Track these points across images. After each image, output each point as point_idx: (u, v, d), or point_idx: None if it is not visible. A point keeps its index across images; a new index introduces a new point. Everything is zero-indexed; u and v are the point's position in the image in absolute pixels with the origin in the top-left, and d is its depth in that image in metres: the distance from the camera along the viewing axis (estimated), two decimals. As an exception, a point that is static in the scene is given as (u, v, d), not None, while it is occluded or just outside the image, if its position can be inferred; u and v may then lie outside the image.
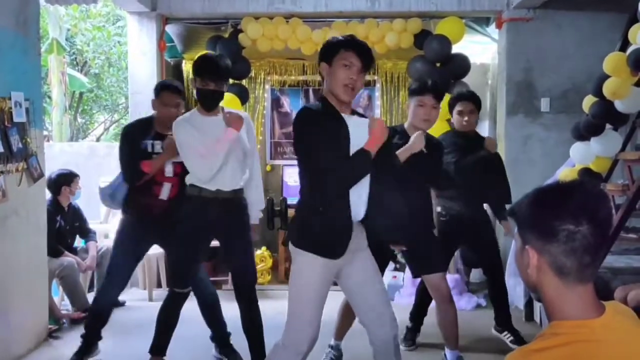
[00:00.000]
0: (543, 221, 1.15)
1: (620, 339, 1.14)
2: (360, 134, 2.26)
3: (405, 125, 3.14)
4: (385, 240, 2.74)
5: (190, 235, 2.94)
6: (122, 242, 3.32)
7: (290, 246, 2.36)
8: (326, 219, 2.25)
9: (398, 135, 2.99)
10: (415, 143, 2.89)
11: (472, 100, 3.59)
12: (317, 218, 2.26)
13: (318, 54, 2.40)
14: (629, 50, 3.69)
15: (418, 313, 3.81)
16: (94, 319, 3.39)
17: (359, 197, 2.28)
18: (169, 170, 3.20)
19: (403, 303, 4.66)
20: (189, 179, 2.95)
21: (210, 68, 2.88)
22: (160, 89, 3.29)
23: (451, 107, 3.67)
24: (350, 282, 2.39)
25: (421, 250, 3.06)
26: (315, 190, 2.27)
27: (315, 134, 2.22)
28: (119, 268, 3.31)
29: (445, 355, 3.31)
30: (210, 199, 2.89)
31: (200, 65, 2.90)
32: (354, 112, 2.41)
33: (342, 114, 2.31)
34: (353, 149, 2.23)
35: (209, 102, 2.93)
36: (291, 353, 2.31)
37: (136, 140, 3.21)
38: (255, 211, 3.14)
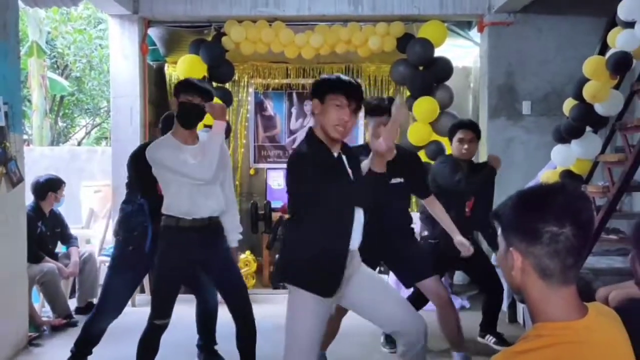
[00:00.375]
0: (527, 223, 1.16)
1: (603, 339, 1.15)
2: (355, 165, 2.32)
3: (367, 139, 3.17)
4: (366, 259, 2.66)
5: (171, 267, 2.84)
6: (121, 267, 3.25)
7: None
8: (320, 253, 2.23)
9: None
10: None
11: (472, 129, 3.58)
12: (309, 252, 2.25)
13: (310, 90, 2.38)
14: (608, 53, 3.75)
15: None
16: (87, 343, 3.28)
17: (359, 223, 2.29)
18: None
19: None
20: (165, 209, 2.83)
21: (194, 84, 2.83)
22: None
23: (451, 133, 3.62)
24: (358, 304, 2.38)
25: (405, 260, 3.05)
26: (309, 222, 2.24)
27: (311, 174, 2.18)
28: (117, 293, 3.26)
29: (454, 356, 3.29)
30: (187, 227, 2.79)
31: (184, 83, 2.87)
32: (344, 146, 2.40)
33: (332, 151, 2.31)
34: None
35: (191, 119, 2.81)
36: None
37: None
38: (234, 234, 3.04)
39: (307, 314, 2.25)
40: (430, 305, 3.33)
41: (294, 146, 6.22)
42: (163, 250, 2.83)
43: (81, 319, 4.32)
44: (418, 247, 3.27)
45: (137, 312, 4.66)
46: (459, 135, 3.55)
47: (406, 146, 5.38)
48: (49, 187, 4.41)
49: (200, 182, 2.74)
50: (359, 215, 2.30)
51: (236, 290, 2.93)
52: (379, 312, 2.37)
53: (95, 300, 4.66)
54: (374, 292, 2.36)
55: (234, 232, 3.04)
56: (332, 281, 2.25)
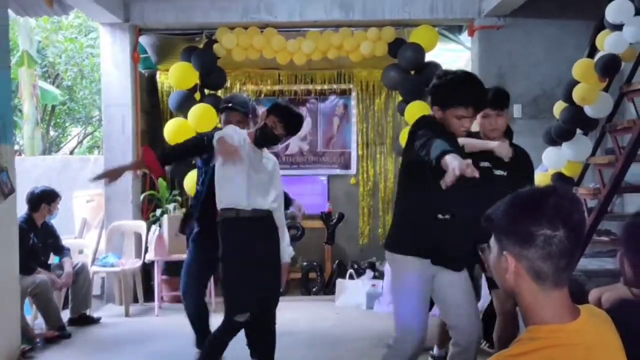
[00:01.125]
0: (520, 227, 1.17)
1: (596, 342, 1.16)
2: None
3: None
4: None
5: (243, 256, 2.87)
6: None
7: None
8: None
9: None
10: (500, 148, 2.77)
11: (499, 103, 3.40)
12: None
13: (430, 94, 2.43)
14: (597, 56, 3.78)
15: None
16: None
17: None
18: None
19: (382, 311, 4.67)
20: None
21: (293, 120, 2.98)
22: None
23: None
24: (443, 282, 2.45)
25: None
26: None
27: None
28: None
29: None
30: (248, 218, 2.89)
31: (283, 113, 2.97)
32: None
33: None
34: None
35: (272, 143, 3.06)
36: (398, 354, 2.42)
37: None
38: (286, 248, 3.07)
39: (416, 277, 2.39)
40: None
41: (287, 152, 6.23)
42: (228, 241, 2.86)
43: (74, 331, 4.31)
44: None
45: (131, 323, 4.66)
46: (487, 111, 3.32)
47: (398, 151, 5.42)
48: (43, 199, 4.38)
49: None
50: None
51: (269, 301, 2.95)
52: (453, 298, 2.46)
53: (88, 312, 4.64)
54: (456, 277, 2.44)
55: (285, 247, 3.06)
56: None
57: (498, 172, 2.92)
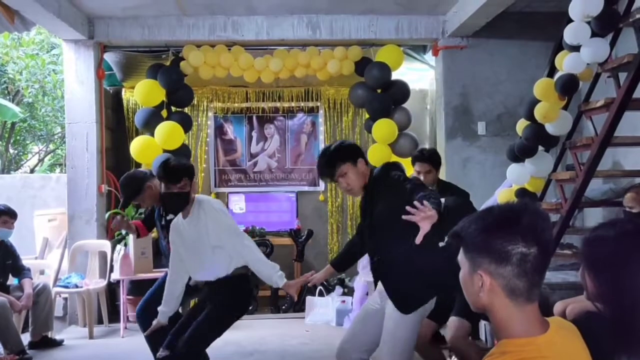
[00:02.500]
0: (496, 246, 1.18)
1: (565, 352, 1.19)
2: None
3: None
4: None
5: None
6: None
7: None
8: None
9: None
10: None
11: (429, 161, 3.62)
12: None
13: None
14: (556, 76, 3.91)
15: None
16: None
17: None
18: None
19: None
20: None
21: (168, 171, 2.88)
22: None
23: (413, 164, 3.74)
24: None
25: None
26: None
27: None
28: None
29: None
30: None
31: (160, 171, 2.91)
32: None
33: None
34: None
35: (173, 206, 2.96)
36: None
37: None
38: (276, 277, 2.96)
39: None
40: None
41: (255, 170, 6.21)
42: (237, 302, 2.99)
43: (35, 355, 4.15)
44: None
45: (95, 345, 4.52)
46: (416, 168, 3.58)
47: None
48: None
49: None
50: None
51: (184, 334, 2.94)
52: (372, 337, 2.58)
53: (50, 334, 4.49)
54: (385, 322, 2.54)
55: (272, 272, 2.97)
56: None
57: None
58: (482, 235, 1.20)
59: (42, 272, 5.05)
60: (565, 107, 4.07)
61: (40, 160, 11.94)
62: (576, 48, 3.62)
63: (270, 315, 5.37)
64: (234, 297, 2.92)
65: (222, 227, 2.88)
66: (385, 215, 2.49)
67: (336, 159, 2.58)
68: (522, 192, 4.28)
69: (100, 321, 4.99)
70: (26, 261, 4.64)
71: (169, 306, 2.97)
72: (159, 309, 2.97)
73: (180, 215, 2.94)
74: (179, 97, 5.27)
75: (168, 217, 3.22)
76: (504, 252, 1.17)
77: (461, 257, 1.25)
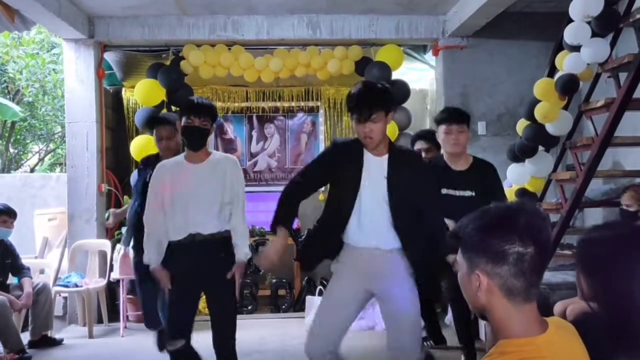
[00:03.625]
0: (492, 245, 1.18)
1: (564, 353, 1.19)
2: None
3: (444, 155, 3.18)
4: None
5: (176, 281, 2.80)
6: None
7: None
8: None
9: (441, 168, 3.06)
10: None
11: (427, 138, 3.67)
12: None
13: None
14: (557, 76, 3.91)
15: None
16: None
17: (379, 228, 2.44)
18: None
19: (351, 328, 4.65)
20: None
21: (192, 105, 2.86)
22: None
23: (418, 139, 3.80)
24: (384, 307, 2.52)
25: None
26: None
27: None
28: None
29: None
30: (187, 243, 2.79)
31: (185, 105, 2.92)
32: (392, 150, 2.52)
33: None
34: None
35: (194, 140, 2.83)
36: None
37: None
38: (240, 253, 2.91)
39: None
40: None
41: (255, 169, 6.21)
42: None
43: (35, 354, 4.15)
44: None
45: (94, 345, 4.52)
46: (417, 146, 3.59)
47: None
48: None
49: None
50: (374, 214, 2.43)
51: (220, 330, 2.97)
52: (390, 322, 2.49)
53: (50, 333, 4.49)
54: (398, 304, 2.44)
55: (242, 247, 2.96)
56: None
57: (465, 194, 3.00)
58: (478, 234, 1.21)
59: (42, 272, 5.05)
60: (565, 107, 4.07)
61: (41, 160, 11.95)
62: (576, 48, 3.62)
63: (270, 314, 5.37)
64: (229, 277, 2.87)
65: (242, 188, 2.94)
66: (409, 188, 2.45)
67: (384, 100, 2.47)
68: (522, 192, 4.29)
69: (100, 320, 4.99)
70: (26, 260, 4.64)
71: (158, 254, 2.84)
72: (146, 259, 2.85)
73: (181, 158, 2.88)
74: (179, 97, 5.26)
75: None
76: (500, 251, 1.17)
77: (459, 257, 1.25)
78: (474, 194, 3.02)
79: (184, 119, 2.82)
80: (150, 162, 3.48)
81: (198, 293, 2.95)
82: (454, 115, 3.14)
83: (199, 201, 2.79)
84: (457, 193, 3.00)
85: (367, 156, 2.47)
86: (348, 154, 2.48)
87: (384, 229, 2.43)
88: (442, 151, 3.27)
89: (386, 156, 2.47)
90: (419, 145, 3.66)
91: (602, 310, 1.35)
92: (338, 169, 2.48)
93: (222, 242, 2.84)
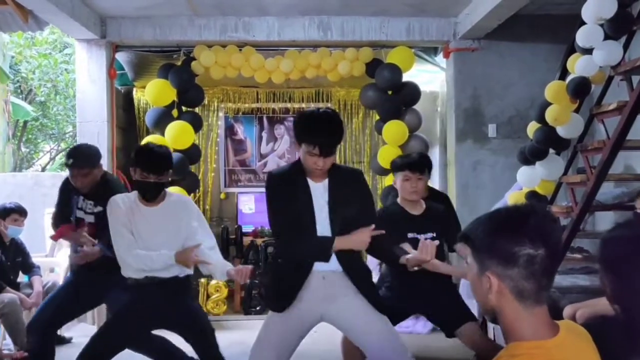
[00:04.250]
0: (503, 248, 1.18)
1: (575, 356, 1.18)
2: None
3: (398, 200, 3.15)
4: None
5: (128, 322, 2.76)
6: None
7: None
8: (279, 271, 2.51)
9: (399, 215, 3.05)
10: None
11: (426, 166, 3.55)
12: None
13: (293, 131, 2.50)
14: (568, 78, 3.89)
15: None
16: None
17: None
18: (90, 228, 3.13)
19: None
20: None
21: (150, 160, 2.73)
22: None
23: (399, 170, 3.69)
24: (342, 325, 2.49)
25: (442, 308, 3.01)
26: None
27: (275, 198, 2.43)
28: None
29: None
30: (146, 284, 2.72)
31: (139, 157, 2.76)
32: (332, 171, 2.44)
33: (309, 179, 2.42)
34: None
35: (150, 194, 2.76)
36: None
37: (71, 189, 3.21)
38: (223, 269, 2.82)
39: (266, 327, 2.46)
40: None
41: (265, 170, 6.23)
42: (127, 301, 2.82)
43: (45, 351, 4.17)
44: (454, 294, 3.21)
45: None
46: (405, 176, 3.14)
47: (376, 169, 5.46)
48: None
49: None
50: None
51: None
52: (360, 339, 2.45)
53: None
54: (360, 319, 2.41)
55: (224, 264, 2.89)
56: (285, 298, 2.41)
57: (428, 236, 2.98)
58: (489, 236, 1.20)
59: (52, 270, 5.08)
60: (576, 110, 4.05)
61: (52, 159, 12.05)
62: (589, 51, 3.59)
63: (278, 315, 5.37)
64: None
65: (204, 224, 2.89)
66: (350, 210, 2.43)
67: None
68: (532, 195, 4.26)
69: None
70: (36, 259, 4.68)
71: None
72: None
73: (134, 199, 2.77)
74: (189, 97, 5.30)
75: (96, 209, 3.09)
76: (510, 253, 1.16)
77: (470, 259, 1.25)
78: (435, 235, 3.01)
79: (138, 171, 2.72)
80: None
81: (142, 333, 2.92)
82: (415, 164, 3.07)
83: (157, 247, 2.72)
84: (422, 237, 2.96)
85: (310, 182, 2.42)
86: (293, 183, 2.42)
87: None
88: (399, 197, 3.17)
89: (326, 181, 2.42)
90: (409, 175, 3.18)
91: (622, 309, 1.34)
92: (289, 199, 2.41)
93: (181, 284, 2.81)
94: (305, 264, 2.39)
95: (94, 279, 3.10)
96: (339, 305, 2.41)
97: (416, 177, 3.04)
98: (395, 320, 2.74)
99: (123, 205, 2.75)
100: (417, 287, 2.93)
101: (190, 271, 2.83)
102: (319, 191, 2.41)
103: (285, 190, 2.40)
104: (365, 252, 2.58)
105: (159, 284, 2.70)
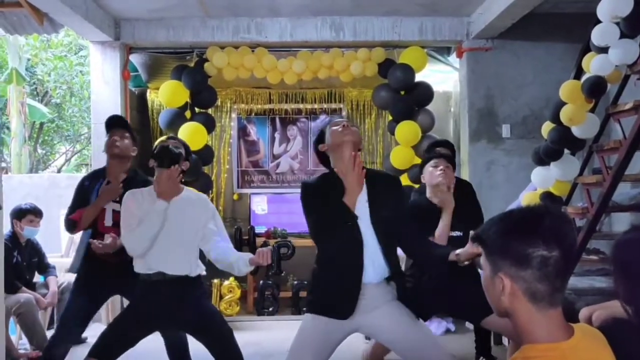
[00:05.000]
0: (516, 248, 1.16)
1: (589, 359, 1.16)
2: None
3: (427, 194, 3.15)
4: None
5: (138, 318, 2.73)
6: (78, 292, 3.21)
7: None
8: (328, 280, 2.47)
9: (423, 209, 3.06)
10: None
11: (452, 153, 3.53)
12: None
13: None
14: (583, 78, 3.84)
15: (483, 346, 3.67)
16: None
17: (371, 260, 2.38)
18: (108, 219, 3.10)
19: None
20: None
21: (165, 156, 2.73)
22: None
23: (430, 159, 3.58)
24: (384, 337, 2.46)
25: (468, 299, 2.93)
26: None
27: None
28: (72, 315, 3.18)
29: None
30: (156, 281, 2.69)
31: (157, 153, 2.76)
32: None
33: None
34: None
35: (167, 161, 2.71)
36: None
37: (87, 188, 3.22)
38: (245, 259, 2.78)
39: (307, 331, 2.42)
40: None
41: (278, 171, 6.24)
42: (136, 298, 2.80)
43: (60, 350, 4.21)
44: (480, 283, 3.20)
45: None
46: (438, 164, 3.20)
47: (389, 170, 5.44)
48: (14, 214, 4.35)
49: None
50: (372, 250, 2.39)
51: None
52: (402, 345, 2.42)
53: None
54: (400, 325, 2.39)
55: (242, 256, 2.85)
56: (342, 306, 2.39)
57: (454, 234, 2.99)
58: (502, 237, 1.19)
59: (67, 270, 5.13)
60: (592, 110, 4.00)
61: (67, 160, 12.18)
62: (604, 49, 3.55)
63: (291, 316, 5.37)
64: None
65: (220, 225, 2.85)
66: (389, 213, 2.45)
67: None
68: (547, 196, 4.22)
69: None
70: (52, 259, 4.73)
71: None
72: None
73: (149, 193, 2.74)
74: (202, 98, 5.32)
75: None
76: (524, 255, 1.15)
77: (483, 260, 1.24)
78: (462, 234, 3.03)
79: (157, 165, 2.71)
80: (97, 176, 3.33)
81: (152, 331, 2.86)
82: (441, 144, 3.28)
83: (172, 241, 2.69)
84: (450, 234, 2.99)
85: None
86: (332, 189, 2.42)
87: (380, 259, 2.41)
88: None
89: (364, 185, 2.42)
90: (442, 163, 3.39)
91: (636, 312, 1.32)
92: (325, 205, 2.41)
93: (192, 283, 2.77)
94: (354, 275, 2.37)
95: (103, 272, 3.11)
96: (375, 315, 2.39)
97: (445, 165, 3.10)
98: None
99: (137, 197, 2.74)
100: (443, 284, 2.88)
101: (202, 270, 2.83)
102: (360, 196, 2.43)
103: (322, 196, 2.45)
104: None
105: (170, 282, 2.69)
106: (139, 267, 2.73)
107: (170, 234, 2.70)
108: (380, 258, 2.39)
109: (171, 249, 2.70)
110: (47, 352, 3.22)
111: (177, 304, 2.70)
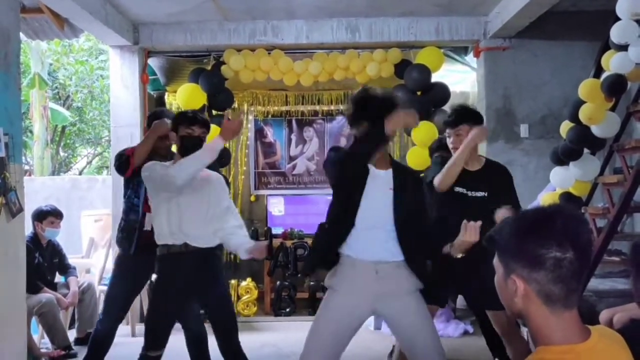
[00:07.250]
0: (529, 250, 1.14)
1: (606, 362, 1.14)
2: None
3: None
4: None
5: (169, 295, 2.83)
6: (119, 275, 3.33)
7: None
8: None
9: None
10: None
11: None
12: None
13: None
14: (603, 76, 3.78)
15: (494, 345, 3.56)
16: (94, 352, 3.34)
17: (382, 239, 2.41)
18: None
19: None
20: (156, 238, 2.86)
21: (192, 114, 2.93)
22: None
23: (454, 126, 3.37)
24: (394, 322, 2.47)
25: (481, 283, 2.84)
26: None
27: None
28: (116, 300, 3.33)
29: None
30: (179, 252, 2.79)
31: (180, 116, 2.96)
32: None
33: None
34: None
35: (196, 149, 2.84)
36: None
37: None
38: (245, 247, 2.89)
39: (327, 309, 2.44)
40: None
41: (294, 172, 6.26)
42: (159, 277, 2.88)
43: (81, 350, 4.28)
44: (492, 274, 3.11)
45: (137, 343, 4.62)
46: (456, 131, 3.14)
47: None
48: (36, 216, 4.43)
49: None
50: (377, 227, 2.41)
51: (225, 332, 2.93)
52: (409, 339, 2.44)
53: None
54: (414, 319, 2.41)
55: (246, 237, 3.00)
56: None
57: (477, 194, 2.91)
58: (515, 238, 1.17)
59: (87, 271, 5.21)
60: (612, 109, 3.93)
61: (89, 163, 12.36)
62: (624, 47, 3.49)
63: (308, 317, 5.37)
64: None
65: (231, 204, 3.02)
66: (411, 201, 2.48)
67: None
68: (566, 197, 4.16)
69: (142, 319, 5.10)
70: (73, 260, 4.81)
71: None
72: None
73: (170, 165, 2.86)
74: (219, 101, 5.36)
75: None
76: (537, 256, 1.13)
77: (496, 261, 1.23)
78: (486, 194, 2.92)
79: (181, 129, 2.86)
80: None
81: (185, 305, 2.97)
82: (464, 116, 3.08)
83: (193, 212, 2.80)
84: (470, 194, 2.91)
85: (372, 169, 2.47)
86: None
87: (389, 241, 2.42)
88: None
89: (390, 170, 2.51)
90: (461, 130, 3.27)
91: None
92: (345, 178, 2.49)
93: (212, 255, 2.89)
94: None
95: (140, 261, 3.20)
96: (395, 307, 2.41)
97: (467, 130, 3.00)
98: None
99: (159, 167, 2.84)
100: (456, 269, 2.74)
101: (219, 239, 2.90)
102: (382, 178, 2.48)
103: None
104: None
105: (192, 253, 2.77)
106: (163, 238, 2.80)
107: (197, 206, 2.81)
108: (389, 238, 2.41)
109: (197, 221, 2.80)
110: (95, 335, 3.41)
111: (200, 274, 2.80)
